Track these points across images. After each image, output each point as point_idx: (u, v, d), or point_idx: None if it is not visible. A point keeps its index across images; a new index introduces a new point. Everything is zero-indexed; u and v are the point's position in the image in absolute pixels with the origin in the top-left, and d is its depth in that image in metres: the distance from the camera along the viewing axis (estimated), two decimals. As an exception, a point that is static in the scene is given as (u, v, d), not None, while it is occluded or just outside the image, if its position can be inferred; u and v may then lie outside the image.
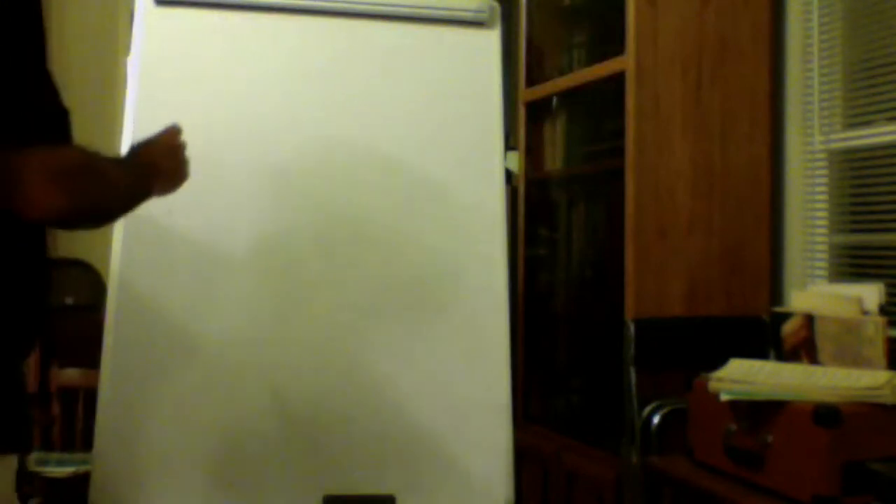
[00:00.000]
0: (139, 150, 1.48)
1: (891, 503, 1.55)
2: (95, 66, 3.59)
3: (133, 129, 1.95)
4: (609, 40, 2.57)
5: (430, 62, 2.10)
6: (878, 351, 1.85)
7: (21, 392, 1.27)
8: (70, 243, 3.26)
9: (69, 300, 3.33)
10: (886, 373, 1.76)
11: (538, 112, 3.06)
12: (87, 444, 1.90)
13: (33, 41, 1.24)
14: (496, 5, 2.15)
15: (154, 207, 1.90)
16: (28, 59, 1.23)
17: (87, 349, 2.16)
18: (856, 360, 1.88)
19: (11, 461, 1.27)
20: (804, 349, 2.01)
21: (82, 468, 2.42)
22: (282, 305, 1.95)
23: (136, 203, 1.43)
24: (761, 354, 2.12)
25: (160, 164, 1.51)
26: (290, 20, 2.05)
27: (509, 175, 2.99)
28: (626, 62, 2.43)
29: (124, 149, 1.95)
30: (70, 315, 3.20)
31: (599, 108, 2.77)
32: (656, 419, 2.23)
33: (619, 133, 2.46)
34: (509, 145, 2.98)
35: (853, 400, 1.69)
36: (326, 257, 1.99)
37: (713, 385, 1.88)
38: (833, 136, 2.42)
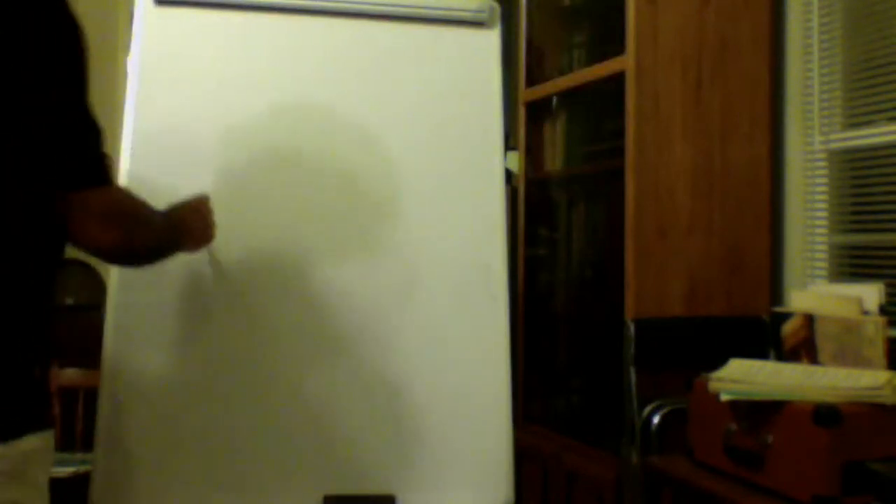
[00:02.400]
0: (173, 209, 1.63)
1: (891, 503, 1.55)
2: (95, 66, 3.59)
3: (133, 128, 1.95)
4: (609, 40, 2.57)
5: (429, 62, 2.10)
6: (878, 351, 1.85)
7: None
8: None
9: (69, 300, 3.33)
10: (886, 373, 1.76)
11: (538, 112, 3.06)
12: (87, 444, 1.90)
13: (79, 80, 1.33)
14: (496, 5, 2.15)
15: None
16: (75, 100, 1.32)
17: (87, 349, 2.16)
18: (856, 360, 1.88)
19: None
20: (804, 349, 2.01)
21: (82, 468, 2.41)
22: (282, 305, 1.95)
23: (171, 252, 1.60)
24: (761, 354, 2.12)
25: (191, 223, 1.69)
26: (290, 20, 2.05)
27: (509, 175, 2.99)
28: (626, 62, 2.43)
29: (125, 151, 1.95)
30: (70, 315, 3.20)
31: (599, 108, 2.77)
32: (656, 419, 2.23)
33: (619, 133, 2.46)
34: (509, 145, 2.98)
35: (853, 400, 1.69)
36: (326, 257, 1.99)
37: (713, 385, 1.88)
38: (833, 136, 2.42)
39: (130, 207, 1.44)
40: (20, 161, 1.25)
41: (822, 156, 2.45)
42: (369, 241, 2.01)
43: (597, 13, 2.84)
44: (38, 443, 1.27)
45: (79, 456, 2.58)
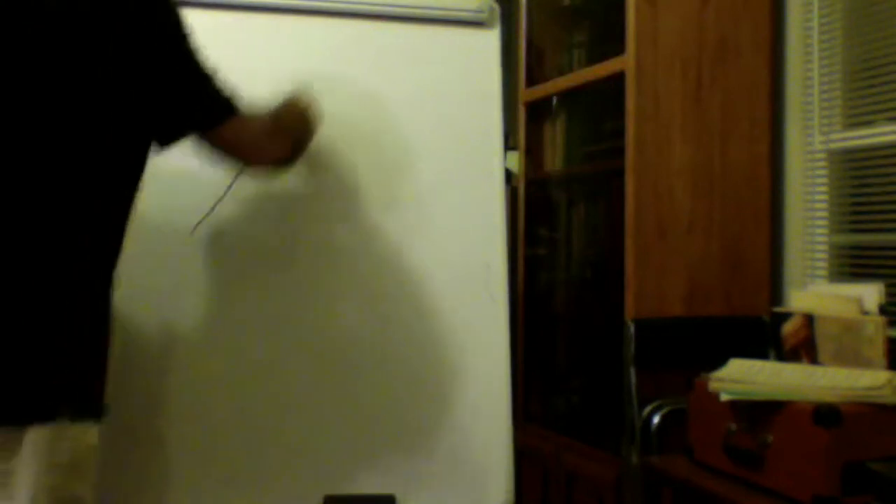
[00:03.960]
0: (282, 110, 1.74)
1: (891, 503, 1.55)
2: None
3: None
4: (609, 40, 2.57)
5: (429, 62, 2.10)
6: (878, 351, 1.85)
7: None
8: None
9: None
10: (886, 373, 1.76)
11: (538, 112, 3.06)
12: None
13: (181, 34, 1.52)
14: (496, 5, 2.15)
15: (153, 207, 1.90)
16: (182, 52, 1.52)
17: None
18: (856, 360, 1.88)
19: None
20: (804, 349, 2.01)
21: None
22: (282, 306, 1.95)
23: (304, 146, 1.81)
24: (761, 354, 2.12)
25: (299, 118, 1.79)
26: (290, 20, 2.05)
27: (509, 175, 2.99)
28: (626, 62, 2.43)
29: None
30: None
31: (599, 108, 2.77)
32: (656, 419, 2.23)
33: (619, 133, 2.46)
34: (509, 145, 2.98)
35: (853, 400, 1.69)
36: (326, 257, 1.99)
37: (713, 385, 1.88)
38: (833, 136, 2.42)
39: (284, 125, 1.69)
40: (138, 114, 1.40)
41: (822, 156, 2.45)
42: (369, 241, 2.01)
43: (597, 13, 2.84)
44: (96, 438, 1.30)
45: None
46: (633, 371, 2.31)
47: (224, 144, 1.58)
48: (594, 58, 2.70)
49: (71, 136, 1.30)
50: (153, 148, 1.49)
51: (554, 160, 3.04)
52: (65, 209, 1.29)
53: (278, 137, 1.67)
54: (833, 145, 2.42)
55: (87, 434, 1.28)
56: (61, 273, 1.29)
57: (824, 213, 2.43)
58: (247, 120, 1.58)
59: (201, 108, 1.52)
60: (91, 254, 1.34)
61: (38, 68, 1.27)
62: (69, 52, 1.29)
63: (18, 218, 1.25)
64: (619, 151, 2.45)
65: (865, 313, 1.92)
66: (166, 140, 1.50)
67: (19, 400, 1.23)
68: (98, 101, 1.33)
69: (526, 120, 3.07)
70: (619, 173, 2.45)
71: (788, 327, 2.07)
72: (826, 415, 1.63)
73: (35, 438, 1.22)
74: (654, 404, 2.25)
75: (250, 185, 1.97)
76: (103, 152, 1.35)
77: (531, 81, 3.04)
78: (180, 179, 1.89)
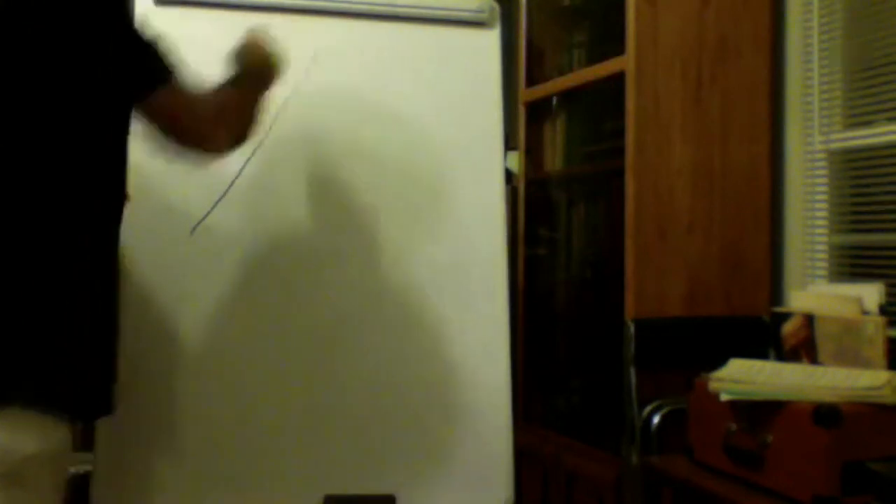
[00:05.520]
0: (235, 66, 1.64)
1: (891, 503, 1.55)
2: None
3: (133, 128, 1.95)
4: (609, 40, 2.57)
5: (429, 62, 2.10)
6: (878, 351, 1.85)
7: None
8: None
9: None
10: (886, 373, 1.76)
11: (538, 112, 3.06)
12: (87, 444, 1.91)
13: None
14: (496, 5, 2.15)
15: (153, 207, 1.91)
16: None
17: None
18: (856, 360, 1.88)
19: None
20: (804, 349, 2.01)
21: (82, 468, 2.41)
22: (282, 305, 1.95)
23: (259, 107, 1.64)
24: (761, 354, 2.12)
25: (258, 66, 1.67)
26: (289, 20, 2.05)
27: (509, 175, 2.99)
28: (626, 62, 2.43)
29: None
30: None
31: (599, 108, 2.76)
32: (656, 419, 2.23)
33: (619, 133, 2.46)
34: (509, 145, 2.98)
35: (853, 400, 1.69)
36: (326, 257, 1.99)
37: (713, 385, 1.88)
38: (833, 136, 2.42)
39: (234, 104, 1.55)
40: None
41: (822, 156, 2.45)
42: (369, 242, 2.01)
43: (597, 13, 2.84)
44: (40, 445, 1.24)
45: (79, 456, 2.57)
46: (633, 371, 2.31)
47: (159, 120, 1.47)
48: (594, 58, 2.70)
49: (48, 128, 1.29)
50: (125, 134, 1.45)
51: (554, 160, 3.04)
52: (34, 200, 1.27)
53: (224, 117, 1.53)
54: (833, 145, 2.42)
55: (26, 445, 1.22)
56: (58, 273, 1.28)
57: (824, 214, 2.43)
58: (184, 92, 1.48)
59: (134, 74, 1.42)
60: (84, 253, 1.33)
61: (12, 68, 1.27)
62: (31, 46, 1.28)
63: None
64: (619, 151, 2.45)
65: (865, 313, 1.92)
66: (117, 115, 1.43)
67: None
68: (64, 86, 1.31)
69: (526, 120, 3.07)
70: (619, 173, 2.45)
71: (788, 327, 2.06)
72: (826, 415, 1.63)
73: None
74: (654, 404, 2.25)
75: (250, 186, 1.97)
76: (80, 139, 1.33)
77: (531, 81, 3.04)
78: (180, 179, 1.89)
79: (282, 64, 1.71)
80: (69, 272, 1.29)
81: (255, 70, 1.65)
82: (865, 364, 1.85)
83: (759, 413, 1.77)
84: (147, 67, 1.44)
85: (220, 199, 1.92)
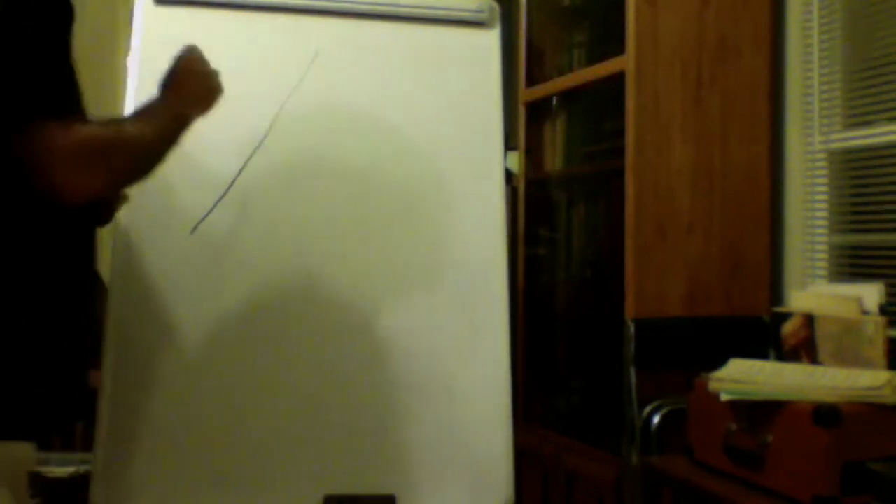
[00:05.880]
0: (166, 84, 1.52)
1: (891, 503, 1.55)
2: (95, 66, 3.59)
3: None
4: (609, 40, 2.57)
5: (429, 62, 2.10)
6: (878, 351, 1.85)
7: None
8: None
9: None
10: (886, 373, 1.76)
11: (538, 112, 3.06)
12: (87, 444, 1.91)
13: (61, 18, 1.27)
14: (496, 5, 2.15)
15: (153, 207, 1.91)
16: (54, 32, 1.27)
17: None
18: (856, 360, 1.88)
19: (28, 462, 1.27)
20: (804, 349, 2.01)
21: (82, 468, 2.41)
22: (282, 305, 1.95)
23: (176, 139, 1.47)
24: (761, 354, 2.12)
25: (190, 89, 1.54)
26: (289, 20, 2.05)
27: (509, 175, 2.99)
28: (626, 62, 2.43)
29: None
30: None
31: (599, 108, 2.77)
32: (656, 419, 2.23)
33: (619, 133, 2.46)
34: (509, 145, 2.98)
35: (853, 400, 1.69)
36: (324, 257, 1.99)
37: (713, 385, 1.88)
38: (833, 136, 2.42)
39: (106, 143, 1.28)
40: None
41: (822, 156, 2.45)
42: (369, 242, 2.01)
43: (597, 13, 2.84)
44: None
45: (79, 456, 2.58)
46: (633, 371, 2.31)
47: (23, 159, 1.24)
48: (594, 58, 2.70)
49: None
50: None
51: (554, 160, 3.04)
52: None
53: (91, 161, 1.26)
54: (833, 145, 2.42)
55: None
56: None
57: (824, 214, 2.43)
58: (45, 130, 1.22)
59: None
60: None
61: None
62: None
63: None
64: (619, 151, 2.45)
65: (865, 313, 1.92)
66: None
67: None
68: None
69: (526, 120, 3.07)
70: (619, 173, 2.45)
71: (788, 327, 2.06)
72: (826, 415, 1.63)
73: None
74: (654, 404, 2.25)
75: (250, 186, 1.97)
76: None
77: (531, 81, 3.04)
78: (180, 179, 1.89)
79: (219, 86, 1.62)
80: None
81: (190, 91, 1.55)
82: (865, 364, 1.85)
83: (759, 413, 1.77)
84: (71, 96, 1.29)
85: (220, 199, 1.92)
